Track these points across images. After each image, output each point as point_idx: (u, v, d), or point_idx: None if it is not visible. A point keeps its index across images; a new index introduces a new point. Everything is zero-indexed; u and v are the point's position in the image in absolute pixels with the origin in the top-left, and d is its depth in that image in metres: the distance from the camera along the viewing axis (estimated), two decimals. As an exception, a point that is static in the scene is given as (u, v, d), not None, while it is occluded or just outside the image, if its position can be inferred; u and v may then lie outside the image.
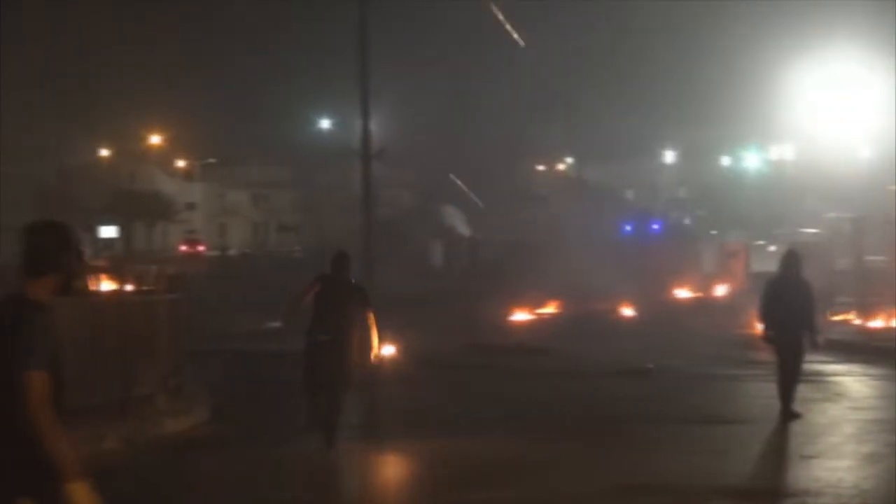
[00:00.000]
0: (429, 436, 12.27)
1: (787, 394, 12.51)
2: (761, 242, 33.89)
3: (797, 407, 12.76)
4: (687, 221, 42.46)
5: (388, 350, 16.12)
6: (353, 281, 11.56)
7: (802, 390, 14.85)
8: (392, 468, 11.60)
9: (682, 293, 30.66)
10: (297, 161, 77.83)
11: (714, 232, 37.20)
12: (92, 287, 13.50)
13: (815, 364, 17.85)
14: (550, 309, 30.00)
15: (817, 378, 16.45)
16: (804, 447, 11.26)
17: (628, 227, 39.40)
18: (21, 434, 3.87)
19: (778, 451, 11.35)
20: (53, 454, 3.88)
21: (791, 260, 13.15)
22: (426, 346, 19.94)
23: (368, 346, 11.03)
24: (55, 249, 4.19)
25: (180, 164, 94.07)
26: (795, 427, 12.13)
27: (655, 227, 39.73)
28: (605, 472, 10.44)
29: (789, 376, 12.60)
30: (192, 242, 78.10)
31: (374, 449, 11.93)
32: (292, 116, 76.25)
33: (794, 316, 12.64)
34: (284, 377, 14.85)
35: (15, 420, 3.87)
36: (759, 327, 13.24)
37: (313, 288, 11.12)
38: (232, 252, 78.29)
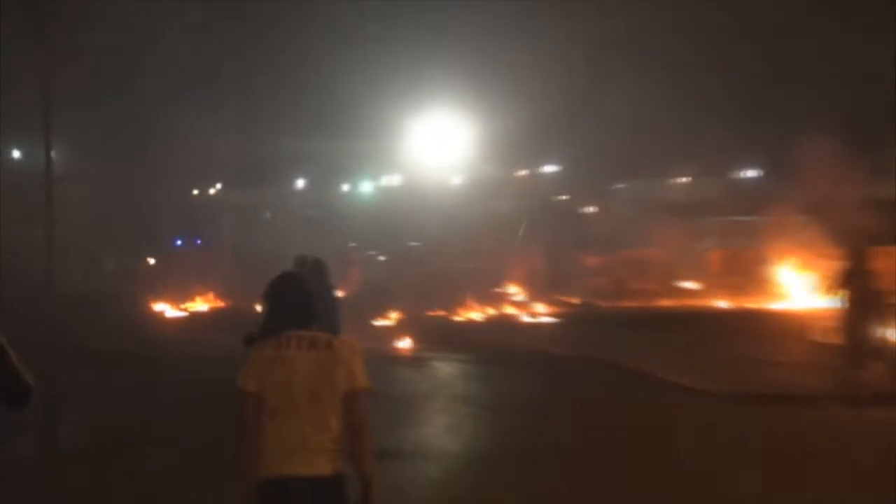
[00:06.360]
0: None
1: None
2: (372, 252, 34.98)
3: (397, 387, 13.30)
4: (198, 241, 44.23)
5: None
6: None
7: (405, 373, 15.60)
8: None
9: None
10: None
11: (353, 244, 37.90)
12: None
13: (417, 351, 18.80)
14: (198, 305, 29.76)
15: (417, 363, 17.25)
16: (400, 417, 11.59)
17: (179, 241, 41.28)
18: None
19: (379, 420, 11.73)
20: None
21: (314, 267, 10.52)
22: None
23: None
24: None
25: None
26: (395, 403, 12.27)
27: (198, 241, 41.47)
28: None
29: None
30: None
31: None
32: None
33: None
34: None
35: None
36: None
37: None
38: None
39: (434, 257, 31.99)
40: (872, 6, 30.75)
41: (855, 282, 12.04)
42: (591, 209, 43.12)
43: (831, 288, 12.41)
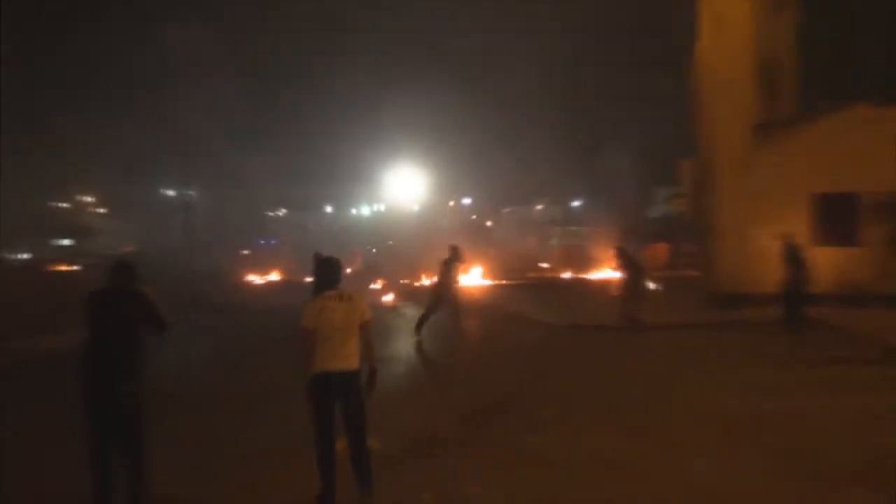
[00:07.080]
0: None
1: None
2: (369, 247, 34.79)
3: (380, 322, 13.01)
4: (273, 242, 43.41)
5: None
6: None
7: (387, 316, 15.29)
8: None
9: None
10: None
11: (358, 244, 37.42)
12: None
13: (395, 303, 18.48)
14: (273, 276, 29.49)
15: (394, 310, 16.58)
16: (383, 340, 11.13)
17: (262, 241, 41.01)
18: None
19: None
20: None
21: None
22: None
23: None
24: None
25: None
26: (380, 332, 11.83)
27: (273, 241, 41.27)
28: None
29: None
30: None
31: None
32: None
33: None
34: None
35: None
36: None
37: None
38: None
39: (403, 250, 31.90)
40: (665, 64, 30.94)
41: (629, 262, 12.37)
42: (490, 224, 43.54)
43: (618, 266, 12.71)
